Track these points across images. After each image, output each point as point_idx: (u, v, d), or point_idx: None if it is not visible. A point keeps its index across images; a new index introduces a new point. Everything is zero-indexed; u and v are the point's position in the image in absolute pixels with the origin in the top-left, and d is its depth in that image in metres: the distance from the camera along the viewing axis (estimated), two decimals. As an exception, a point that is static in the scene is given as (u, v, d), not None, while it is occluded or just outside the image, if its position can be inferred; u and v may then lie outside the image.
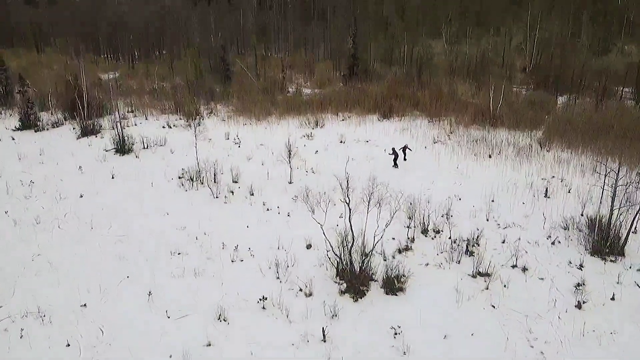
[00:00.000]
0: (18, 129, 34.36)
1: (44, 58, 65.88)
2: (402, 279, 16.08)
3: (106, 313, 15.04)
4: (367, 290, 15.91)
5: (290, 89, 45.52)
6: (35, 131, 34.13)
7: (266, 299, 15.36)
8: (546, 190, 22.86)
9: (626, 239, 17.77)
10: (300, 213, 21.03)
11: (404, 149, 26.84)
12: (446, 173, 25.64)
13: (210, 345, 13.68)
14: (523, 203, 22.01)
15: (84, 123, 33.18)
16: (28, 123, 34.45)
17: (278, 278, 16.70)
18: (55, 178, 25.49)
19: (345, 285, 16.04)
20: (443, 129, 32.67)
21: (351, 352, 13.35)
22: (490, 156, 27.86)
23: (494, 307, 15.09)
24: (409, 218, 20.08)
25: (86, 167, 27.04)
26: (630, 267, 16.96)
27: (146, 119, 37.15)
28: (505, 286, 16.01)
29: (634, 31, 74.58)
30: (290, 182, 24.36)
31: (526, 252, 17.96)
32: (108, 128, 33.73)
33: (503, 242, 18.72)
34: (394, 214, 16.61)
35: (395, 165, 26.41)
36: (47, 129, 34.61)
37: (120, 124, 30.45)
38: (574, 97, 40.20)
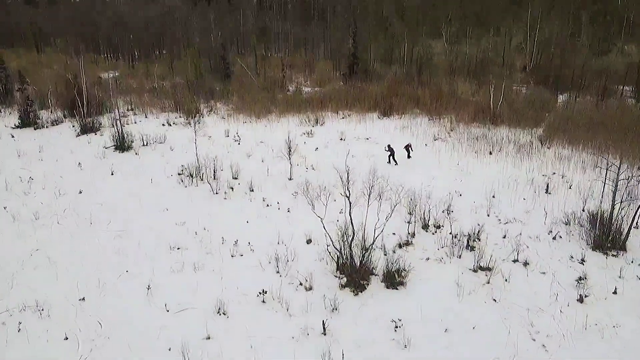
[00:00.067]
0: (17, 127, 34.28)
1: (44, 58, 65.85)
2: (402, 273, 15.99)
3: (105, 307, 14.94)
4: (368, 284, 15.81)
5: (290, 88, 45.46)
6: (35, 129, 34.05)
7: (266, 292, 15.27)
8: (547, 186, 22.77)
9: (628, 233, 17.67)
10: (300, 209, 20.95)
11: (407, 147, 26.78)
12: (447, 170, 25.55)
13: (209, 338, 13.58)
14: (524, 199, 21.92)
15: (84, 121, 33.11)
16: (28, 121, 34.37)
17: (278, 272, 16.61)
18: (54, 174, 25.41)
19: (345, 279, 15.94)
20: (443, 127, 32.59)
21: (351, 346, 13.24)
22: (490, 153, 27.77)
23: (496, 301, 14.99)
24: (410, 213, 19.99)
25: (85, 164, 26.96)
26: (632, 262, 16.86)
27: (146, 117, 37.07)
28: (506, 280, 15.92)
29: (634, 31, 74.54)
30: (290, 179, 24.27)
31: (527, 246, 17.87)
32: (108, 126, 33.61)
33: (504, 237, 18.63)
34: (394, 206, 16.52)
35: (390, 162, 26.33)
36: (47, 127, 34.52)
37: (120, 122, 30.38)
38: (575, 95, 40.12)
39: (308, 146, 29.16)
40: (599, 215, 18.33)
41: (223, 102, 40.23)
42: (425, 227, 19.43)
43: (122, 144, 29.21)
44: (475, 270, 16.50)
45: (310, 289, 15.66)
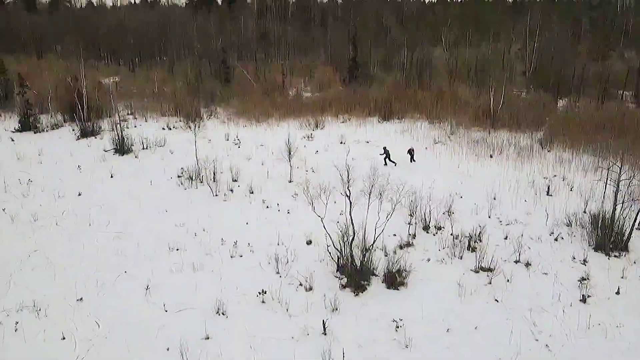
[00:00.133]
0: (17, 131, 34.25)
1: (44, 63, 65.86)
2: (403, 274, 15.85)
3: (103, 307, 14.79)
4: (368, 285, 15.67)
5: (290, 92, 45.48)
6: (35, 132, 34.01)
7: (265, 292, 15.12)
8: (548, 188, 22.68)
9: (630, 234, 17.57)
10: (300, 210, 20.87)
11: (410, 151, 26.71)
12: (447, 172, 25.47)
13: (208, 338, 13.42)
14: (525, 201, 21.83)
15: (84, 124, 33.09)
16: (27, 124, 34.34)
17: (278, 273, 16.47)
18: (53, 177, 25.32)
19: (345, 279, 15.81)
20: (444, 130, 32.56)
21: (352, 346, 13.08)
22: (491, 156, 27.72)
23: (498, 301, 14.85)
24: (410, 215, 19.88)
25: (85, 167, 26.88)
26: (634, 263, 16.75)
27: (146, 121, 37.06)
28: (508, 281, 15.78)
29: (633, 37, 74.74)
30: (290, 181, 24.18)
31: (529, 248, 17.75)
32: (107, 130, 33.60)
33: (505, 238, 18.52)
34: (395, 205, 16.38)
35: (386, 164, 26.27)
36: (47, 131, 34.50)
37: (120, 125, 30.37)
38: (575, 99, 40.13)
39: (308, 149, 29.10)
40: (601, 216, 18.21)
41: (223, 107, 40.24)
42: (426, 228, 19.31)
43: (122, 147, 29.16)
44: (476, 271, 16.37)
45: (310, 289, 15.52)
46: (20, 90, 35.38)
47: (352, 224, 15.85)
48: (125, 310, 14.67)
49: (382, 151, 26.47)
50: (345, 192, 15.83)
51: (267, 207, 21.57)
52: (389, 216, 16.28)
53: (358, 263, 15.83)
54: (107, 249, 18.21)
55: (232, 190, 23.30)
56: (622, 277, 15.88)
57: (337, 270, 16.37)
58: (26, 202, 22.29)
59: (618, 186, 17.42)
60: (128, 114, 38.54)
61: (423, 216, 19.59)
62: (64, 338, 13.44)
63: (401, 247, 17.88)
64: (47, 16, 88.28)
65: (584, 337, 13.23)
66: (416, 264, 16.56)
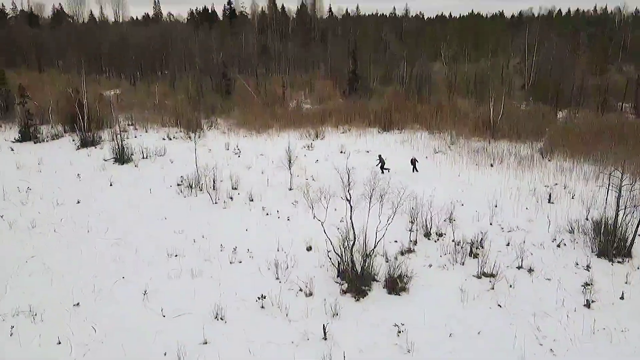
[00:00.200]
0: (17, 141, 34.26)
1: (46, 77, 66.20)
2: (405, 279, 15.66)
3: (100, 312, 14.57)
4: (369, 290, 15.47)
5: (290, 104, 45.62)
6: (35, 143, 34.00)
7: (265, 297, 14.91)
8: (549, 196, 22.58)
9: (633, 240, 17.41)
10: (300, 217, 20.75)
11: (413, 160, 26.66)
12: (448, 180, 25.39)
13: (206, 343, 13.18)
14: (527, 208, 21.69)
15: (84, 134, 33.10)
16: (27, 135, 34.36)
17: (277, 279, 16.27)
18: (52, 185, 25.22)
19: (346, 285, 15.60)
20: (444, 140, 32.56)
21: (353, 351, 12.84)
22: (492, 165, 27.67)
23: (501, 306, 14.63)
24: (411, 222, 19.74)
25: (84, 175, 26.81)
26: (638, 268, 16.58)
27: (146, 131, 37.10)
28: (511, 286, 15.58)
29: (631, 51, 75.30)
30: (291, 189, 24.08)
31: (531, 254, 17.57)
32: (108, 140, 33.60)
33: (507, 244, 18.35)
34: (396, 208, 16.23)
35: (383, 172, 26.17)
36: (47, 141, 34.52)
37: (120, 135, 30.38)
38: (574, 110, 40.23)
39: (308, 158, 29.06)
40: (603, 222, 18.06)
41: (224, 118, 40.32)
42: (427, 235, 19.15)
43: (121, 157, 29.11)
44: (479, 277, 16.17)
45: (311, 294, 15.30)
46: (21, 100, 35.46)
47: (353, 229, 15.70)
48: (123, 315, 14.45)
49: (378, 159, 26.45)
50: (346, 196, 15.70)
51: (267, 214, 21.43)
52: (390, 220, 16.11)
53: (359, 268, 15.65)
54: (105, 255, 18.03)
55: (231, 198, 23.18)
56: (626, 283, 15.69)
57: (337, 276, 16.18)
58: (25, 210, 22.15)
59: (620, 192, 17.32)
60: (129, 124, 38.58)
61: (424, 223, 19.45)
62: (59, 342, 13.20)
63: (402, 253, 17.70)
64: (49, 31, 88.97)
65: (588, 342, 13.00)
66: (417, 270, 16.37)
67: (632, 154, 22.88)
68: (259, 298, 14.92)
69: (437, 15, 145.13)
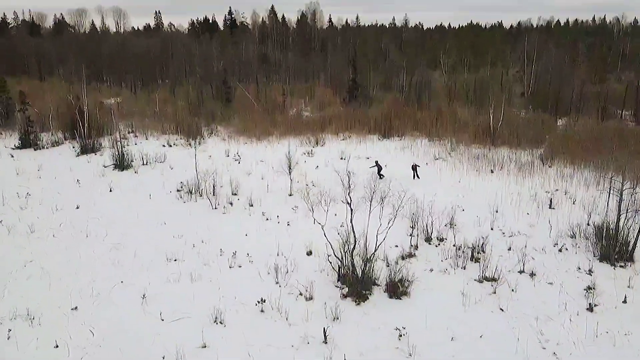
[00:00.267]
0: (17, 148, 34.24)
1: (47, 86, 66.40)
2: (406, 283, 15.52)
3: (98, 316, 14.43)
4: (370, 294, 15.33)
5: (290, 112, 45.69)
6: (35, 149, 33.98)
7: (264, 301, 14.76)
8: (550, 201, 22.51)
9: (635, 244, 17.32)
10: (300, 222, 20.67)
11: (414, 167, 26.59)
12: (448, 186, 25.34)
13: (205, 347, 13.04)
14: (528, 213, 21.62)
15: (84, 141, 33.08)
16: (28, 141, 34.35)
17: (277, 283, 16.13)
18: (52, 191, 25.15)
19: (347, 289, 15.47)
20: (444, 147, 32.55)
21: (354, 354, 12.69)
22: (492, 171, 27.63)
23: (503, 310, 14.50)
24: (412, 227, 19.64)
25: (84, 181, 26.75)
26: (641, 272, 16.44)
27: (146, 138, 37.10)
28: (513, 290, 15.46)
29: (630, 60, 75.63)
30: (291, 194, 24.00)
31: (533, 258, 17.46)
32: (108, 147, 33.53)
33: (509, 249, 18.24)
34: (397, 210, 16.12)
35: (380, 177, 26.06)
36: (47, 148, 34.50)
37: (121, 142, 30.36)
38: (574, 117, 40.29)
39: (308, 164, 29.03)
40: (605, 226, 17.97)
41: (224, 125, 40.37)
42: (428, 239, 19.05)
43: (121, 163, 29.07)
44: (480, 281, 16.05)
45: (311, 298, 15.17)
46: (22, 107, 35.49)
47: (354, 232, 15.61)
48: (121, 319, 14.31)
49: (375, 164, 26.41)
50: (346, 199, 15.62)
51: (267, 219, 21.34)
52: (391, 222, 16.02)
53: (359, 272, 15.52)
54: (103, 259, 17.91)
55: (231, 204, 23.11)
56: (629, 287, 15.58)
57: (337, 280, 16.05)
58: (24, 215, 22.06)
59: (621, 196, 17.27)
60: (129, 132, 38.59)
61: (425, 227, 19.36)
62: (57, 346, 13.05)
63: (403, 258, 17.59)
64: (50, 40, 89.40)
65: (592, 345, 12.86)
66: (419, 274, 16.25)
67: (633, 158, 22.82)
68: (258, 302, 14.78)
69: (436, 26, 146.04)
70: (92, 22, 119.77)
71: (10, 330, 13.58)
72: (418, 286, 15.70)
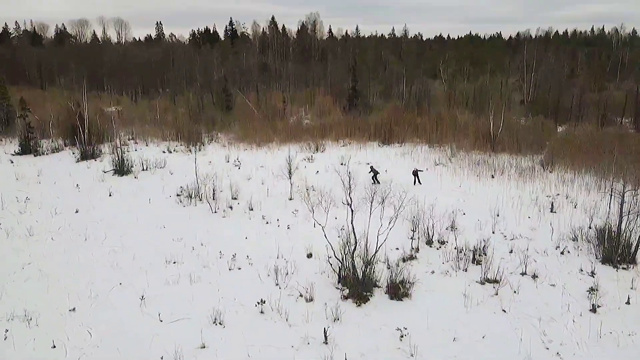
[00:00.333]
0: (18, 154, 34.24)
1: (47, 94, 66.59)
2: (407, 285, 15.38)
3: (96, 317, 14.27)
4: (371, 296, 15.18)
5: (291, 119, 45.76)
6: (35, 155, 33.97)
7: (264, 302, 14.61)
8: (552, 205, 22.42)
9: (637, 246, 17.19)
10: (300, 226, 20.56)
11: (415, 172, 26.47)
12: (449, 191, 25.26)
13: (204, 347, 12.87)
14: (529, 217, 21.51)
15: (84, 147, 33.06)
16: (28, 147, 34.34)
17: (277, 285, 15.99)
18: (51, 195, 25.07)
19: (347, 290, 15.33)
20: (444, 152, 32.52)
21: (355, 354, 12.52)
22: (493, 176, 27.57)
23: (505, 311, 14.35)
24: (413, 230, 19.53)
25: (83, 186, 26.68)
26: (644, 274, 16.29)
27: (147, 145, 37.11)
28: (515, 292, 15.31)
29: (630, 70, 75.91)
30: (291, 199, 23.91)
31: (535, 261, 17.33)
32: (108, 153, 33.57)
33: (511, 251, 18.12)
34: (397, 211, 16.01)
35: (374, 182, 25.90)
36: (47, 154, 34.51)
37: (121, 148, 30.35)
38: (574, 124, 40.33)
39: (309, 170, 28.99)
40: (607, 228, 17.87)
41: (224, 132, 40.40)
42: (429, 242, 18.93)
43: (121, 168, 29.02)
44: (482, 283, 15.91)
45: (311, 300, 15.02)
46: (22, 113, 35.52)
47: (354, 233, 15.50)
48: (119, 320, 14.14)
49: (370, 170, 26.32)
50: (347, 199, 15.54)
51: (267, 222, 21.24)
52: (392, 223, 15.91)
53: (360, 274, 15.39)
54: (102, 262, 17.77)
55: (231, 208, 23.01)
56: (632, 288, 15.44)
57: (338, 282, 15.91)
58: (22, 218, 21.96)
59: (623, 197, 17.19)
60: (129, 139, 38.61)
61: (426, 230, 19.25)
62: (54, 346, 12.89)
63: (404, 260, 17.46)
64: (52, 50, 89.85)
65: (596, 345, 12.70)
66: (420, 276, 16.11)
67: (634, 161, 22.76)
68: (258, 303, 14.63)
69: (435, 37, 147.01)
70: (94, 32, 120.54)
71: (7, 330, 13.42)
72: (419, 288, 15.56)
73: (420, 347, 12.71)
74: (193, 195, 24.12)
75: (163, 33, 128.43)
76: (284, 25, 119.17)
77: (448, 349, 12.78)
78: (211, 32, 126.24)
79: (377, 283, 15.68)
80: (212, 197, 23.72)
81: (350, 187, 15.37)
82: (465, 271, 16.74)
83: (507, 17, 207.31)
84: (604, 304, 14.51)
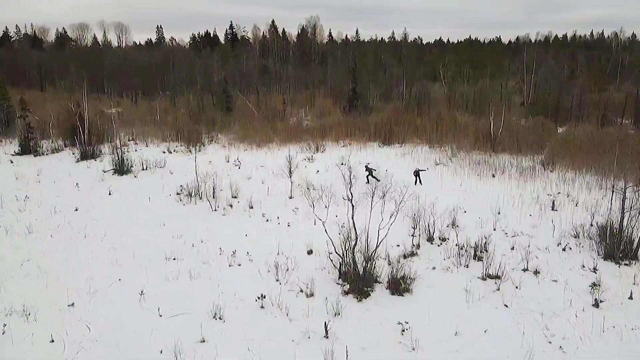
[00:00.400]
0: (17, 154, 34.20)
1: (47, 96, 66.63)
2: (408, 281, 15.29)
3: (95, 312, 14.17)
4: (372, 291, 15.09)
5: (291, 120, 45.76)
6: (35, 156, 33.93)
7: (264, 297, 14.52)
8: (553, 203, 22.35)
9: (639, 242, 17.09)
10: (301, 224, 20.49)
11: (417, 172, 26.35)
12: (450, 190, 25.20)
13: (204, 341, 12.76)
14: (530, 215, 21.45)
15: (84, 147, 33.02)
16: (28, 148, 34.30)
17: (277, 280, 15.91)
18: (51, 194, 25.01)
19: (348, 286, 15.24)
20: (445, 152, 32.48)
21: (356, 348, 12.42)
22: (493, 176, 27.52)
23: (507, 306, 14.25)
24: (414, 227, 19.45)
25: (83, 185, 26.62)
26: (646, 270, 16.20)
27: (147, 145, 37.08)
28: (517, 287, 15.22)
29: (629, 72, 76.01)
30: (291, 197, 23.85)
31: (537, 257, 17.25)
32: (108, 153, 33.47)
33: (512, 248, 18.04)
34: (398, 205, 15.93)
35: (368, 181, 25.69)
36: (47, 154, 34.47)
37: (121, 148, 30.30)
38: (574, 125, 40.32)
39: (309, 169, 28.93)
40: (609, 225, 17.80)
41: (224, 133, 40.39)
42: (430, 239, 18.86)
43: (121, 168, 28.96)
44: (484, 279, 15.82)
45: (312, 295, 14.92)
46: (22, 113, 35.50)
47: (355, 228, 15.43)
48: (118, 315, 14.04)
49: (366, 168, 26.22)
50: (347, 195, 15.47)
51: (267, 220, 21.18)
52: (394, 217, 15.81)
53: (361, 269, 15.30)
54: (101, 258, 17.69)
55: (231, 206, 22.95)
56: (634, 284, 15.35)
57: (339, 277, 15.82)
58: (22, 216, 21.89)
59: (625, 194, 17.12)
60: (129, 139, 38.59)
61: (427, 227, 19.17)
62: (52, 341, 12.78)
63: (405, 257, 17.37)
64: (52, 53, 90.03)
65: (599, 340, 12.60)
66: (421, 272, 16.02)
67: (635, 159, 22.70)
68: (258, 298, 14.53)
69: (435, 40, 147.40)
70: (94, 36, 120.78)
71: (5, 325, 13.32)
72: (420, 283, 15.47)
73: (421, 341, 12.61)
74: (193, 194, 24.06)
75: (163, 37, 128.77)
76: (284, 28, 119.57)
77: (450, 343, 12.68)
78: (211, 35, 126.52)
79: (378, 279, 15.59)
80: (212, 196, 23.66)
81: (351, 181, 15.28)
82: (467, 267, 16.66)
83: (507, 21, 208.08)
84: (606, 299, 14.41)
